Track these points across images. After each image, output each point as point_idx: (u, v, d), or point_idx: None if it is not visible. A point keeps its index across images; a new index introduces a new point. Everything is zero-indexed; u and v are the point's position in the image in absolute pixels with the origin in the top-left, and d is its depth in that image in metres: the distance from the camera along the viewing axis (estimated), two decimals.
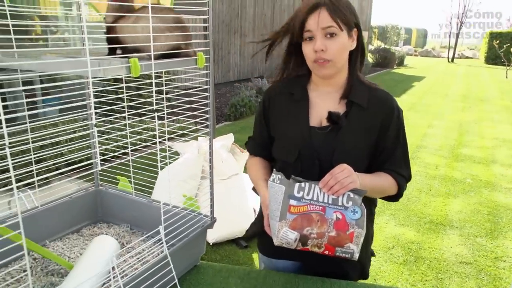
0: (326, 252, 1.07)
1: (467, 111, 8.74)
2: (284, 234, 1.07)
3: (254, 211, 3.07)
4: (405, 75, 15.09)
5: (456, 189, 4.29)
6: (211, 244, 2.94)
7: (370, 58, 16.24)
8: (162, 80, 1.29)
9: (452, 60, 23.72)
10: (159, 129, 1.17)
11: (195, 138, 3.52)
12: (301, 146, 1.18)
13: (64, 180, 1.64)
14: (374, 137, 1.18)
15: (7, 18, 1.15)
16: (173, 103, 1.34)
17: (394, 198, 1.25)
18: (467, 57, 27.24)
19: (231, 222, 2.95)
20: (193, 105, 1.30)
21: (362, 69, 1.25)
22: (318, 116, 1.19)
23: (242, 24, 10.03)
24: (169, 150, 1.22)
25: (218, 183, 3.09)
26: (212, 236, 2.94)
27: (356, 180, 1.07)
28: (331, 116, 1.15)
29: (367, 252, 1.34)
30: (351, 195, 1.07)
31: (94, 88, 1.51)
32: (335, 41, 1.10)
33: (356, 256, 1.05)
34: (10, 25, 1.21)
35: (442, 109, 8.82)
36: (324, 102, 1.21)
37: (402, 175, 1.22)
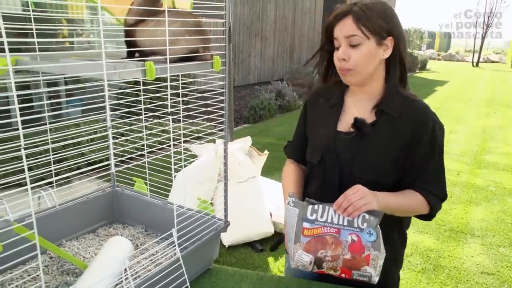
0: (343, 275, 1.05)
1: (491, 116, 8.51)
2: (299, 257, 1.07)
3: (271, 214, 3.06)
4: (427, 79, 14.82)
5: (478, 196, 4.18)
6: (226, 246, 2.94)
7: None
8: (179, 83, 1.30)
9: (477, 65, 23.12)
10: (175, 132, 1.18)
11: (213, 141, 3.54)
12: (324, 149, 1.18)
13: (84, 179, 1.67)
14: (401, 150, 1.12)
15: (33, 22, 1.19)
16: (189, 106, 1.35)
17: (426, 217, 1.19)
18: (492, 61, 26.54)
19: (247, 225, 2.95)
20: (208, 109, 1.30)
21: (405, 79, 1.19)
22: (347, 122, 1.17)
23: (263, 27, 10.05)
24: (185, 153, 1.22)
25: (235, 186, 3.10)
26: (228, 238, 2.94)
27: (371, 201, 1.04)
28: (356, 122, 1.13)
29: (394, 275, 1.29)
30: (367, 216, 1.05)
31: (114, 90, 1.53)
32: (358, 50, 1.08)
33: (375, 279, 1.03)
34: (34, 29, 1.24)
35: (465, 114, 8.61)
36: (356, 109, 1.19)
37: (434, 194, 1.15)
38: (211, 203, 2.54)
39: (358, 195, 1.04)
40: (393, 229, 1.22)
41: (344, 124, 1.18)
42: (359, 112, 1.17)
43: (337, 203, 1.06)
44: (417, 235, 3.33)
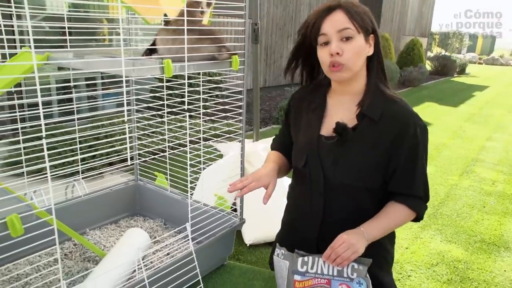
0: None
1: None
2: None
3: None
4: (465, 84, 14.28)
5: None
6: (247, 245, 2.96)
7: (428, 65, 15.58)
8: (199, 81, 1.33)
9: None
10: (196, 130, 1.21)
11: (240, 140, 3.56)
12: (308, 153, 1.17)
13: (111, 172, 1.73)
14: (383, 153, 1.11)
15: (73, 22, 1.26)
16: (208, 103, 1.37)
17: (414, 220, 1.18)
18: None
19: (269, 225, 2.95)
20: (226, 107, 1.32)
21: (385, 78, 1.18)
22: (330, 125, 1.16)
23: (296, 28, 10.02)
24: (209, 151, 1.25)
25: None
26: (249, 237, 2.96)
27: (358, 249, 1.05)
28: (337, 127, 1.11)
29: (388, 274, 1.28)
30: (356, 266, 1.07)
31: (139, 87, 1.58)
32: (351, 44, 1.06)
33: None
34: (66, 28, 1.31)
35: (504, 122, 8.25)
36: (339, 111, 1.17)
37: (418, 196, 1.14)
38: (234, 202, 2.57)
39: (344, 247, 1.05)
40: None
41: (327, 128, 1.17)
42: (341, 115, 1.16)
43: (326, 255, 1.08)
44: (444, 244, 3.23)
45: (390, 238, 1.25)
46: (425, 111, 8.49)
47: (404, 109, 1.12)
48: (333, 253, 1.05)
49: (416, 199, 1.14)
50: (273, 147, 1.37)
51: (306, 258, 1.10)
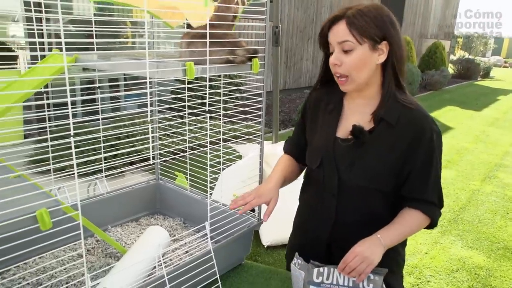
0: None
1: None
2: None
3: None
4: (490, 87, 13.97)
5: None
6: (265, 246, 2.98)
7: (450, 68, 15.29)
8: (219, 83, 1.36)
9: None
10: (216, 131, 1.23)
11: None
12: (323, 155, 1.18)
13: (135, 171, 1.77)
14: (399, 157, 1.11)
15: (100, 25, 1.31)
16: (228, 105, 1.40)
17: (429, 227, 1.18)
18: None
19: (287, 227, 2.96)
20: (246, 109, 1.34)
21: (401, 84, 1.17)
22: (346, 128, 1.17)
23: (317, 30, 9.97)
24: (228, 152, 1.28)
25: None
26: (267, 238, 2.98)
27: (373, 260, 1.05)
28: (354, 130, 1.12)
29: (398, 276, 1.28)
30: (372, 276, 1.07)
31: (162, 88, 1.62)
32: (350, 56, 1.07)
33: None
34: (94, 31, 1.36)
35: None
36: (355, 114, 1.18)
37: (433, 202, 1.14)
38: None
39: (358, 260, 1.05)
40: None
41: (343, 130, 1.18)
42: (357, 118, 1.16)
43: (340, 268, 1.08)
44: (465, 250, 3.17)
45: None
46: (447, 115, 8.35)
47: (420, 114, 1.13)
48: (347, 267, 1.06)
49: (430, 204, 1.14)
50: (286, 149, 1.40)
51: (321, 269, 1.11)
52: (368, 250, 1.06)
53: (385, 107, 1.13)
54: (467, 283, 2.75)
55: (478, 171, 4.99)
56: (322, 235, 1.21)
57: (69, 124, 0.83)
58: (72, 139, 0.83)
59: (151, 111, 1.60)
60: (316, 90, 1.30)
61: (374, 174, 1.12)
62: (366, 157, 1.13)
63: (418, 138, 1.10)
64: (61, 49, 0.83)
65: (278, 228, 2.91)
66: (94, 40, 1.32)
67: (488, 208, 3.98)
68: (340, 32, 1.07)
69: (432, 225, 1.18)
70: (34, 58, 1.18)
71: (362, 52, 1.07)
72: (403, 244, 1.28)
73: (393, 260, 1.22)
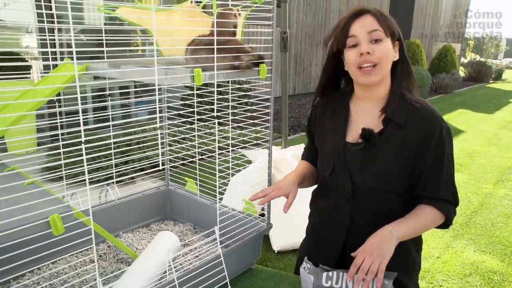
0: None
1: None
2: None
3: None
4: (502, 90, 13.79)
5: None
6: (276, 251, 2.97)
7: (461, 71, 15.14)
8: (228, 89, 1.37)
9: None
10: (225, 137, 1.25)
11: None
12: (335, 161, 1.18)
13: (145, 177, 1.79)
14: (410, 157, 1.11)
15: (111, 33, 1.35)
16: (236, 110, 1.41)
17: (443, 226, 1.16)
18: None
19: (297, 232, 2.95)
20: (254, 114, 1.36)
21: (411, 87, 1.18)
22: (355, 132, 1.17)
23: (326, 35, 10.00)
24: (237, 157, 1.29)
25: None
26: (277, 244, 2.98)
27: (384, 255, 1.01)
28: (364, 133, 1.13)
29: (413, 279, 1.27)
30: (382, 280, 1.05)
31: (171, 95, 1.64)
32: (381, 45, 1.09)
33: None
34: (104, 39, 1.39)
35: None
36: (363, 118, 1.19)
37: (447, 200, 1.13)
38: (262, 207, 2.59)
39: (368, 261, 1.01)
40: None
41: (353, 135, 1.18)
42: (366, 121, 1.17)
43: (350, 274, 1.03)
44: (477, 254, 3.13)
45: (416, 244, 1.24)
46: (458, 118, 8.27)
47: (429, 112, 1.13)
48: (360, 270, 1.01)
49: (445, 202, 1.13)
50: (303, 157, 1.41)
51: (330, 273, 1.11)
52: (377, 246, 1.03)
53: (393, 106, 1.13)
54: (481, 287, 2.72)
55: (491, 174, 4.93)
56: (337, 240, 1.21)
57: (80, 131, 0.85)
58: (83, 146, 0.85)
59: (161, 117, 1.63)
60: (321, 98, 1.31)
61: (387, 176, 1.12)
62: (377, 160, 1.13)
63: (428, 137, 1.10)
64: (72, 58, 0.85)
65: (288, 233, 2.91)
66: (104, 48, 1.34)
67: (501, 211, 3.92)
68: (369, 22, 1.10)
69: (447, 224, 1.16)
70: (47, 68, 1.21)
71: (388, 44, 1.11)
72: (418, 248, 1.26)
73: (410, 264, 1.21)
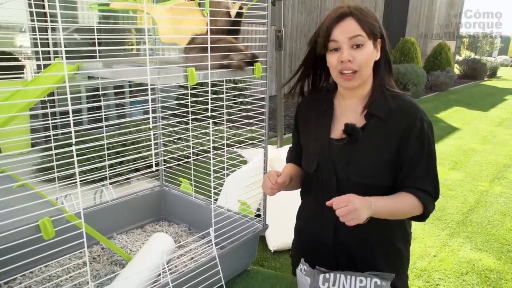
0: None
1: None
2: None
3: None
4: (496, 87, 13.86)
5: None
6: (272, 251, 2.96)
7: (456, 69, 15.20)
8: (222, 88, 1.36)
9: None
10: (220, 136, 1.23)
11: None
12: (320, 157, 1.18)
13: (140, 177, 1.78)
14: (393, 150, 1.12)
15: (105, 33, 1.32)
16: (231, 110, 1.40)
17: (420, 218, 1.16)
18: None
19: (293, 231, 2.95)
20: (249, 113, 1.34)
21: (393, 82, 1.19)
22: (339, 128, 1.18)
23: None
24: (232, 157, 1.28)
25: (282, 191, 3.11)
26: (274, 243, 2.96)
27: (359, 216, 1.01)
28: (346, 128, 1.13)
29: (403, 276, 1.26)
30: (379, 282, 1.06)
31: (166, 94, 1.63)
32: (362, 51, 1.08)
33: None
34: (96, 39, 1.37)
35: None
36: (346, 114, 1.20)
37: (426, 191, 1.13)
38: (258, 208, 2.58)
39: (347, 210, 1.01)
40: (394, 227, 1.21)
41: (337, 131, 1.19)
42: (349, 118, 1.17)
43: (329, 203, 1.04)
44: (474, 252, 3.13)
45: (404, 241, 1.25)
46: (453, 115, 8.29)
47: (410, 105, 1.15)
48: (338, 211, 1.02)
49: (424, 193, 1.13)
50: (288, 160, 1.40)
51: (327, 275, 1.10)
52: (360, 205, 1.03)
53: (374, 102, 1.14)
54: (478, 286, 2.72)
55: (487, 172, 4.94)
56: (326, 240, 1.21)
57: (71, 132, 0.84)
58: (74, 147, 0.83)
59: (155, 117, 1.61)
60: (306, 97, 1.31)
61: (371, 170, 1.12)
62: (361, 154, 1.13)
63: (409, 129, 1.11)
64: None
65: (284, 232, 2.89)
66: (97, 48, 1.32)
67: (498, 209, 3.93)
68: (351, 27, 1.08)
69: (423, 216, 1.16)
70: (39, 67, 1.19)
71: (369, 48, 1.10)
72: (407, 243, 1.27)
73: (397, 260, 1.22)
